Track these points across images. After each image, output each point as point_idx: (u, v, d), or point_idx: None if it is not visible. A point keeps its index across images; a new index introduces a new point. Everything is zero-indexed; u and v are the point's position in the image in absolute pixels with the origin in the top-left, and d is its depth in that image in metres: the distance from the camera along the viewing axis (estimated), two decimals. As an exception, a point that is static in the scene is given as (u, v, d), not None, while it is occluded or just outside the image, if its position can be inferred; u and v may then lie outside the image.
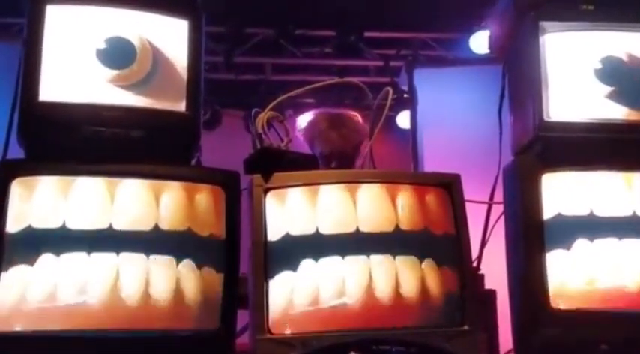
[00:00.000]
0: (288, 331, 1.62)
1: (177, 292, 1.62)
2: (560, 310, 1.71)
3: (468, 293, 1.70)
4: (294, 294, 1.63)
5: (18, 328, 1.55)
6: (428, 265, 1.69)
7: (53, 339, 1.54)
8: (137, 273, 1.61)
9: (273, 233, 1.67)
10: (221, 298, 1.66)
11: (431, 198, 1.74)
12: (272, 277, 1.64)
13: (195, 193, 1.70)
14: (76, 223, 1.61)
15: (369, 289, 1.65)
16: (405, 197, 1.72)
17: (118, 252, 1.61)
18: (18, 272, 1.58)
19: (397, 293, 1.66)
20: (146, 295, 1.60)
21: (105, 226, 1.62)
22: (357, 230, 1.68)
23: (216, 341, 1.64)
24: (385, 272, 1.66)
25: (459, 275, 1.71)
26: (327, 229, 1.67)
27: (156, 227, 1.64)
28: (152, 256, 1.62)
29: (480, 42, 4.37)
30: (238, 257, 1.74)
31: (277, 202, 1.70)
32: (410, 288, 1.67)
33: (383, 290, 1.65)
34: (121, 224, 1.63)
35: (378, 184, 1.73)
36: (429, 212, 1.73)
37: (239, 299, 1.71)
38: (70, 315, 1.57)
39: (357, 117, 2.87)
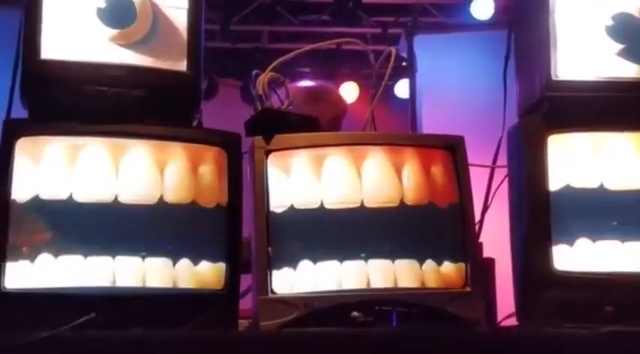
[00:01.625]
0: (290, 292, 1.62)
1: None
2: (564, 273, 1.71)
3: (470, 256, 1.69)
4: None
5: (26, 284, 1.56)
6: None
7: (64, 296, 1.55)
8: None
9: (277, 204, 1.66)
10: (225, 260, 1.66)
11: (437, 168, 1.72)
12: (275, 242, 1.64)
13: (199, 162, 1.69)
14: (82, 196, 1.61)
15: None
16: (410, 168, 1.71)
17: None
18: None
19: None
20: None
21: (110, 200, 1.62)
22: (362, 205, 1.67)
23: (221, 302, 1.64)
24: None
25: (462, 239, 1.70)
26: (331, 204, 1.66)
27: (161, 199, 1.64)
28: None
29: (481, 8, 4.32)
30: (241, 221, 1.73)
31: (281, 170, 1.69)
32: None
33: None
34: (126, 197, 1.63)
35: (383, 152, 1.71)
36: (435, 184, 1.72)
37: (242, 264, 1.70)
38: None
39: (335, 91, 2.86)
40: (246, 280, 1.73)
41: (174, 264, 1.62)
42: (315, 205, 1.66)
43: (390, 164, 1.71)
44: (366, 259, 1.65)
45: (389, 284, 1.64)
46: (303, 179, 1.68)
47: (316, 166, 1.69)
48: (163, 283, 1.61)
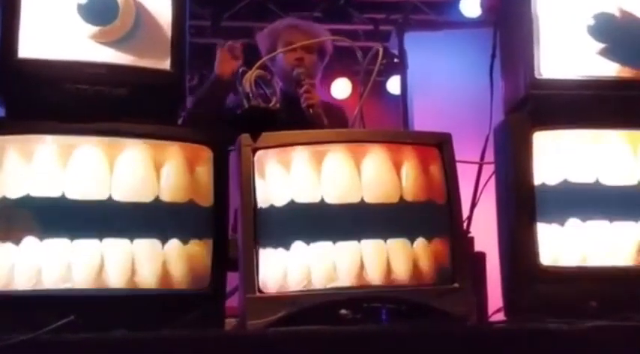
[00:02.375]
0: (278, 290, 1.62)
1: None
2: (550, 267, 1.72)
3: (458, 252, 1.70)
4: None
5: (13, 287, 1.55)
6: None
7: (43, 297, 1.54)
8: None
9: (277, 199, 1.65)
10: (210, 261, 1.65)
11: (433, 165, 1.73)
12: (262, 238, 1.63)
13: (195, 164, 1.68)
14: (75, 194, 1.59)
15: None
16: (409, 165, 1.71)
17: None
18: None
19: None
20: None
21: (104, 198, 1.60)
22: (362, 201, 1.66)
23: (206, 301, 1.63)
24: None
25: (450, 234, 1.70)
26: (332, 200, 1.66)
27: (156, 199, 1.63)
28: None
29: (470, 5, 4.33)
30: (227, 219, 1.73)
31: (282, 167, 1.68)
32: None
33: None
34: (120, 196, 1.61)
35: (381, 149, 1.71)
36: (432, 180, 1.72)
37: (229, 262, 1.70)
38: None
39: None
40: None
41: (162, 245, 1.61)
42: (316, 201, 1.66)
43: (389, 161, 1.71)
44: (359, 240, 1.65)
45: (382, 265, 1.64)
46: (303, 174, 1.68)
47: (316, 163, 1.68)
48: (152, 265, 1.59)
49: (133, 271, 1.59)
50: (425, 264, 1.68)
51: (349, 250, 1.65)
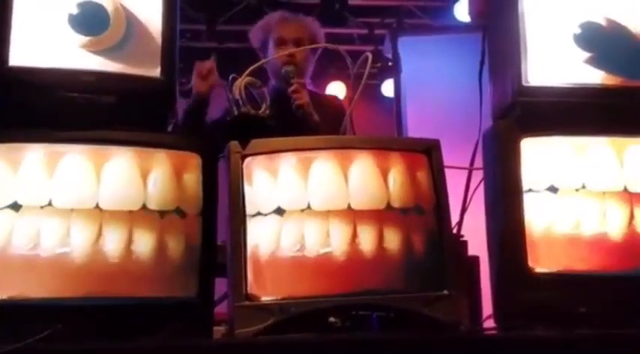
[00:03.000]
0: (267, 297, 1.62)
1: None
2: (539, 273, 1.72)
3: (447, 258, 1.70)
4: (280, 241, 1.64)
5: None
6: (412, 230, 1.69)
7: (31, 307, 1.53)
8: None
9: (265, 206, 1.65)
10: (198, 266, 1.64)
11: (420, 171, 1.73)
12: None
13: (183, 171, 1.67)
14: (62, 202, 1.59)
15: (353, 243, 1.65)
16: (396, 171, 1.71)
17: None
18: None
19: (380, 255, 1.66)
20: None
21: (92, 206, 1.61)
22: (349, 208, 1.67)
23: (194, 309, 1.63)
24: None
25: (439, 240, 1.70)
26: (318, 207, 1.66)
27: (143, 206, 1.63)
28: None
29: (464, 10, 4.34)
30: (215, 225, 1.72)
31: (268, 173, 1.68)
32: (393, 247, 1.67)
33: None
34: (108, 204, 1.61)
35: (369, 155, 1.71)
36: (420, 186, 1.72)
37: (218, 268, 1.70)
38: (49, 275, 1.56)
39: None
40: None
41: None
42: (302, 208, 1.66)
43: (376, 168, 1.71)
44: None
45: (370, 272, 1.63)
46: (290, 181, 1.68)
47: (303, 169, 1.68)
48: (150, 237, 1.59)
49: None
50: (414, 271, 1.68)
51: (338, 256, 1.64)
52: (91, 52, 1.67)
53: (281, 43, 2.77)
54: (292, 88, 2.61)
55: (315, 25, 2.89)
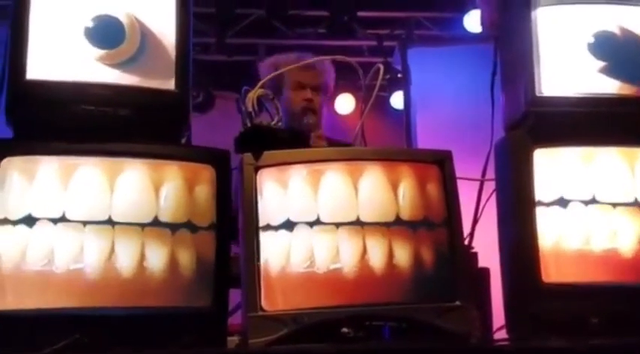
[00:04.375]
0: (280, 307, 1.62)
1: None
2: (552, 285, 1.72)
3: (459, 269, 1.70)
4: (290, 258, 1.64)
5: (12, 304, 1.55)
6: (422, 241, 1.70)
7: (45, 317, 1.54)
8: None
9: (275, 218, 1.66)
10: (212, 277, 1.65)
11: (430, 183, 1.73)
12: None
13: (195, 183, 1.69)
14: (75, 214, 1.61)
15: (363, 258, 1.65)
16: (406, 183, 1.71)
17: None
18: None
19: (390, 266, 1.66)
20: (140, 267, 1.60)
21: (104, 218, 1.62)
22: (358, 220, 1.67)
23: (208, 319, 1.63)
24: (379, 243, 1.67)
25: (450, 251, 1.71)
26: (328, 219, 1.66)
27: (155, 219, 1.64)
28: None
29: (474, 21, 4.36)
30: (228, 237, 1.73)
31: (279, 186, 1.69)
32: (403, 259, 1.67)
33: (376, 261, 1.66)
34: (120, 217, 1.62)
35: (378, 168, 1.71)
36: (429, 199, 1.73)
37: (232, 279, 1.71)
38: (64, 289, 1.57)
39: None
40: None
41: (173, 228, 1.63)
42: (312, 220, 1.66)
43: (386, 180, 1.71)
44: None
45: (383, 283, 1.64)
46: (299, 194, 1.68)
47: (313, 181, 1.69)
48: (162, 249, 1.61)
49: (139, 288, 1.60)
50: (425, 283, 1.68)
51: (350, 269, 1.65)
52: (106, 65, 1.68)
53: (299, 87, 2.80)
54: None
55: (331, 68, 2.92)
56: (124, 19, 1.69)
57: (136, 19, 1.71)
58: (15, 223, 1.59)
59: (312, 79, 2.81)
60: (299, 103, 2.72)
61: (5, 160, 1.60)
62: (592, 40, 1.79)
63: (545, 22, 1.80)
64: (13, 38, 1.65)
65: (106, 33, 1.67)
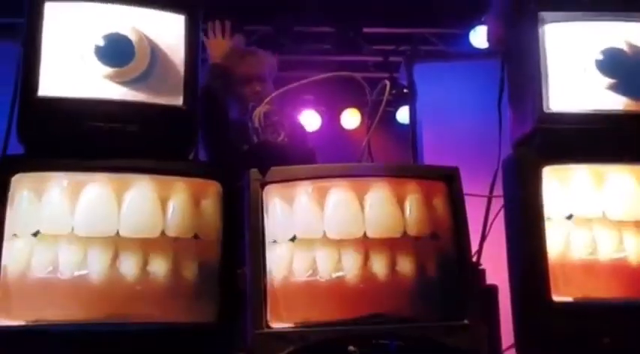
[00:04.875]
0: (285, 323, 1.61)
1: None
2: (561, 303, 1.71)
3: (467, 287, 1.69)
4: (292, 268, 1.64)
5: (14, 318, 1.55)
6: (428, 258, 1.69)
7: (48, 332, 1.54)
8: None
9: (281, 234, 1.66)
10: (219, 292, 1.65)
11: (437, 199, 1.73)
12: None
13: (201, 198, 1.69)
14: (83, 231, 1.61)
15: (368, 269, 1.65)
16: (413, 199, 1.71)
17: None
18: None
19: (397, 283, 1.65)
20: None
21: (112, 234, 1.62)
22: (365, 236, 1.67)
23: (214, 334, 1.63)
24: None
25: (458, 269, 1.70)
26: (334, 235, 1.66)
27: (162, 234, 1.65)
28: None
29: (480, 37, 4.37)
30: (235, 252, 1.72)
31: (284, 202, 1.69)
32: (410, 275, 1.67)
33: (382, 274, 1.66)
34: (127, 232, 1.63)
35: (385, 184, 1.71)
36: (436, 215, 1.72)
37: (238, 295, 1.70)
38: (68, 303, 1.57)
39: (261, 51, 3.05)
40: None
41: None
42: (318, 236, 1.66)
43: (392, 196, 1.71)
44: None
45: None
46: (306, 210, 1.68)
47: (319, 198, 1.69)
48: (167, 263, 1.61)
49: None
50: (433, 300, 1.67)
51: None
52: (116, 82, 1.70)
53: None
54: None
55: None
56: (133, 37, 1.71)
57: (146, 36, 1.73)
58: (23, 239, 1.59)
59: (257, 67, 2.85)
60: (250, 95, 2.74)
61: (16, 177, 1.62)
62: (600, 56, 1.79)
63: (553, 38, 1.80)
64: (25, 56, 1.67)
65: (116, 51, 1.69)
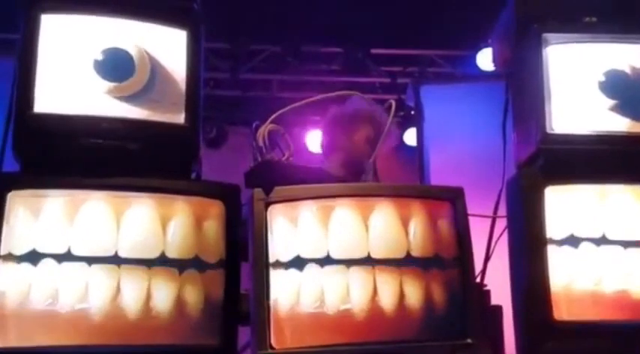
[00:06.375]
0: (289, 346, 1.60)
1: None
2: (564, 323, 1.69)
3: (470, 307, 1.68)
4: (299, 298, 1.62)
5: (15, 342, 1.53)
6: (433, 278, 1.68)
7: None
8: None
9: (284, 254, 1.65)
10: (222, 313, 1.63)
11: (442, 220, 1.72)
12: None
13: (203, 219, 1.67)
14: (81, 250, 1.59)
15: (373, 298, 1.63)
16: (417, 220, 1.70)
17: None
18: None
19: (401, 304, 1.64)
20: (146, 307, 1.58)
21: (111, 254, 1.60)
22: (369, 257, 1.66)
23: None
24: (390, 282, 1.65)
25: (461, 289, 1.69)
26: (338, 255, 1.65)
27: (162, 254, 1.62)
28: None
29: (486, 59, 4.39)
30: (239, 272, 1.71)
31: (289, 222, 1.68)
32: (414, 297, 1.65)
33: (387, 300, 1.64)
34: (127, 252, 1.60)
35: (389, 204, 1.70)
36: (441, 235, 1.71)
37: (241, 316, 1.69)
38: (69, 327, 1.55)
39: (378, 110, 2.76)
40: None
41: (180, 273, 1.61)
42: (322, 256, 1.65)
43: (396, 215, 1.70)
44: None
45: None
46: (310, 230, 1.67)
47: (323, 217, 1.68)
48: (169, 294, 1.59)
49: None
50: (436, 320, 1.65)
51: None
52: (115, 98, 1.66)
53: None
54: None
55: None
56: (133, 52, 1.67)
57: (146, 52, 1.69)
58: (19, 258, 1.56)
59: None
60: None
61: (11, 194, 1.58)
62: (603, 78, 1.80)
63: (557, 60, 1.81)
64: (21, 71, 1.63)
65: (116, 66, 1.64)
